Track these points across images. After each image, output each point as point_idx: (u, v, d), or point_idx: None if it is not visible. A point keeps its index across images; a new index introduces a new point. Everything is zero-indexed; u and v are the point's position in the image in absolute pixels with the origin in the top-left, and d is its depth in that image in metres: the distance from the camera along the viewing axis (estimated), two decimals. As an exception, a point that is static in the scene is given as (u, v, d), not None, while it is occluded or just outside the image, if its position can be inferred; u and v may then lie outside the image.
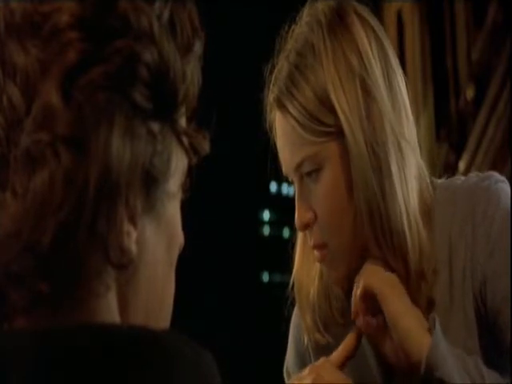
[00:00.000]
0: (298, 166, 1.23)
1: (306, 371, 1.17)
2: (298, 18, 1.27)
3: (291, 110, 1.21)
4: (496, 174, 1.26)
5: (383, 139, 1.19)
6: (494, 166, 8.94)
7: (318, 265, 1.29)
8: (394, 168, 1.19)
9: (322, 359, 1.19)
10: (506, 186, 1.25)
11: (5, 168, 0.60)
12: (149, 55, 0.62)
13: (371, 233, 1.19)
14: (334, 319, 1.28)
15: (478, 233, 1.21)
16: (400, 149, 1.20)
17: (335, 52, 1.20)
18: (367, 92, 1.19)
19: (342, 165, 1.20)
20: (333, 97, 1.18)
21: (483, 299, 1.20)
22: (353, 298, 1.21)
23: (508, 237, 1.20)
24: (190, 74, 0.65)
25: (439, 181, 1.30)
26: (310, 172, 1.22)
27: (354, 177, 1.18)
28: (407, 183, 1.20)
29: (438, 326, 1.14)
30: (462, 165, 10.38)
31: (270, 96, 1.25)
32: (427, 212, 1.24)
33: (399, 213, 1.19)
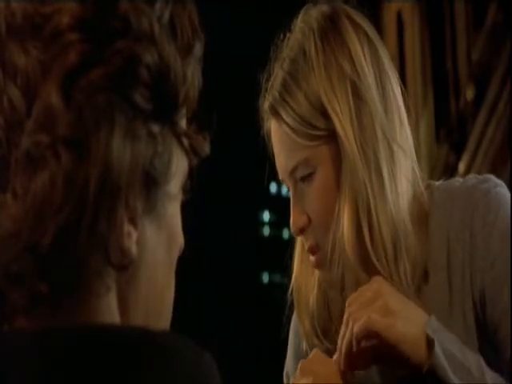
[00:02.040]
0: (293, 171, 1.24)
1: (298, 371, 1.17)
2: (292, 26, 1.27)
3: (284, 116, 1.23)
4: (494, 178, 1.26)
5: (374, 142, 1.20)
6: (494, 167, 8.94)
7: (317, 272, 1.29)
8: (384, 171, 1.20)
9: (313, 351, 1.19)
10: (504, 190, 1.24)
11: (5, 169, 0.60)
12: (149, 56, 0.62)
13: (355, 234, 1.18)
14: (333, 326, 1.27)
15: (477, 239, 1.21)
16: (391, 153, 1.21)
17: (326, 56, 1.21)
18: (358, 96, 1.20)
19: (333, 166, 1.21)
20: (324, 100, 1.20)
21: (483, 307, 1.20)
22: (343, 345, 1.15)
23: (508, 246, 1.19)
24: (190, 75, 0.65)
25: (437, 183, 1.30)
26: (304, 176, 1.23)
27: (344, 176, 1.19)
28: (397, 187, 1.21)
29: (437, 343, 1.11)
30: (461, 165, 10.38)
31: (266, 104, 1.27)
32: (423, 216, 1.24)
33: (389, 214, 1.19)
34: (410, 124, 1.27)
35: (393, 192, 1.20)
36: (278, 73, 1.25)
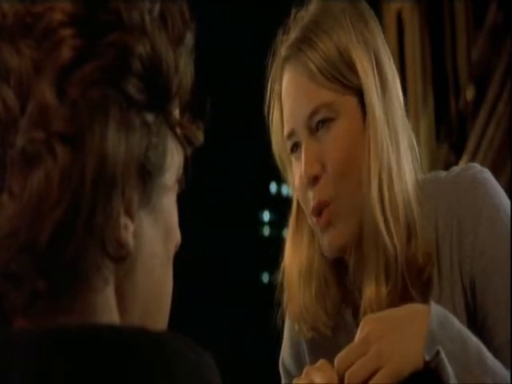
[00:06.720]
0: (312, 115, 1.23)
1: (303, 374, 1.14)
2: (300, 14, 1.28)
3: (311, 55, 1.22)
4: (478, 165, 1.26)
5: (394, 116, 1.22)
6: (494, 167, 8.95)
7: (307, 260, 1.28)
8: (401, 140, 1.22)
9: (320, 361, 1.14)
10: (490, 175, 1.24)
11: (1, 170, 0.60)
12: (141, 48, 0.62)
13: (376, 195, 1.18)
14: (323, 319, 1.26)
15: (465, 226, 1.20)
16: (407, 131, 1.24)
17: (354, 26, 1.24)
18: (379, 68, 1.23)
19: (356, 119, 1.22)
20: (354, 56, 1.21)
21: (473, 294, 1.19)
22: None
23: (497, 232, 1.18)
24: (182, 65, 0.66)
25: (423, 176, 1.29)
26: (323, 121, 1.22)
27: (370, 136, 1.20)
28: (409, 166, 1.22)
29: (442, 356, 1.05)
30: (462, 165, 10.38)
31: (283, 52, 1.26)
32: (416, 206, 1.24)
33: (405, 188, 1.20)
34: (409, 124, 1.28)
35: (406, 171, 1.21)
36: (295, 28, 1.26)
